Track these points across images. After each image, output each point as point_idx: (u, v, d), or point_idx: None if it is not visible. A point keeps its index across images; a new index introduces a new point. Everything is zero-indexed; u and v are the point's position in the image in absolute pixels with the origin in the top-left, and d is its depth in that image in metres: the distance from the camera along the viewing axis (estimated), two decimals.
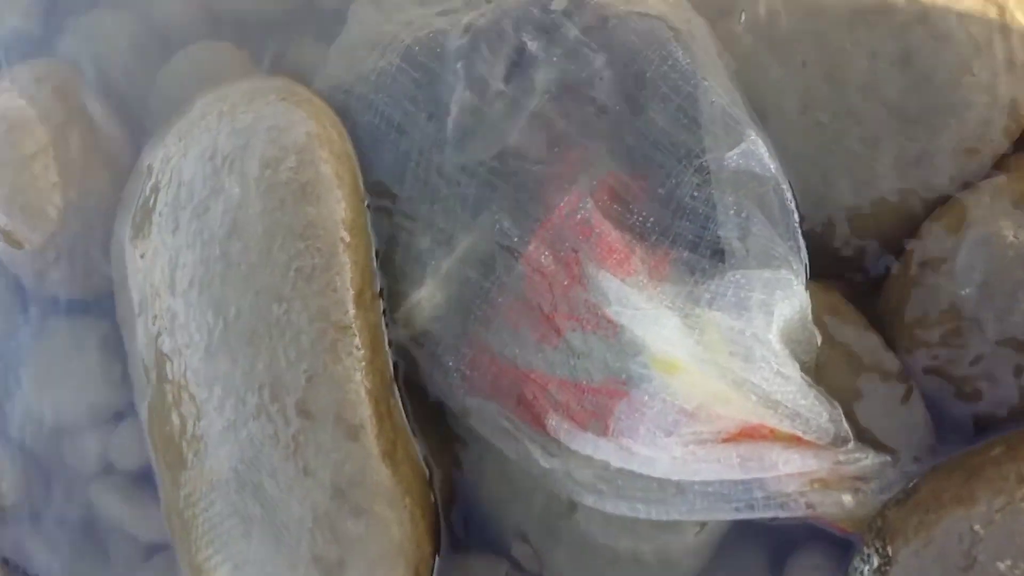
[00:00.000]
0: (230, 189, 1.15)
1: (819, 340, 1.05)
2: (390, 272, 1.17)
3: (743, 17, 1.16)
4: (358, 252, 1.14)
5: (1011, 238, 1.00)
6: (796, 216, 1.05)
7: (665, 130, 1.09)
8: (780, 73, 1.12)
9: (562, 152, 1.13)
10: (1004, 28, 1.08)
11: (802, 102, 1.11)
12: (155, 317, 1.15)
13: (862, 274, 1.12)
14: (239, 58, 1.35)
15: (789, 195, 1.05)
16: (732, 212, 1.05)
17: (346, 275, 1.12)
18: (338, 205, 1.14)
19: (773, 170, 1.05)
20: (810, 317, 1.04)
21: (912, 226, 1.09)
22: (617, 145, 1.12)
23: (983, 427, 1.04)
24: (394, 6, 1.23)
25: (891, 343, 1.07)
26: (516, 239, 1.11)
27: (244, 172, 1.16)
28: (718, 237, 1.06)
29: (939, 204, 1.08)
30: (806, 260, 1.05)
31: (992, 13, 1.08)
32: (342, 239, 1.13)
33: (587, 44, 1.15)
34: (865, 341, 1.07)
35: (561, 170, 1.13)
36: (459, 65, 1.15)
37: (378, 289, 1.16)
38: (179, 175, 1.19)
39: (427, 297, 1.15)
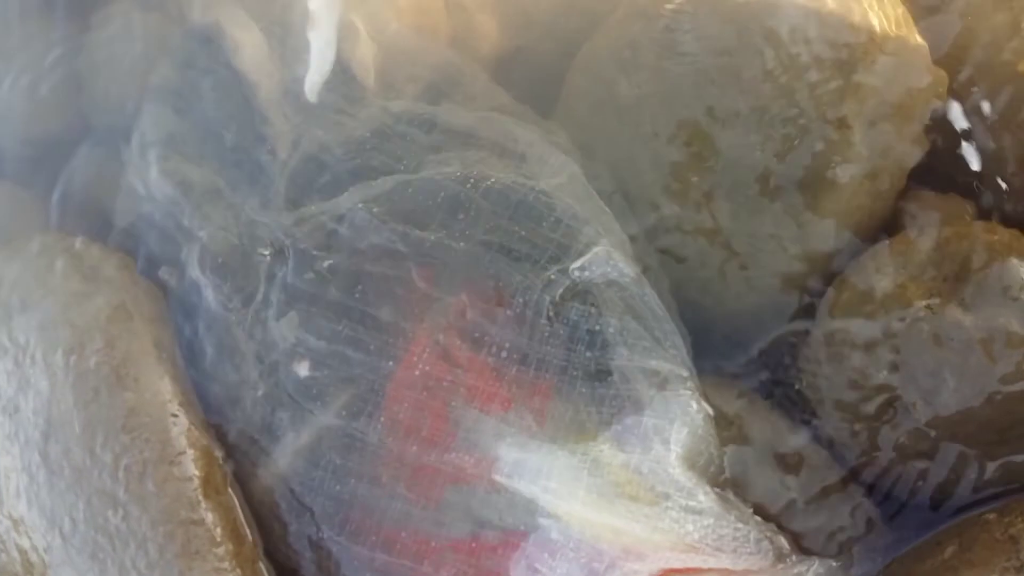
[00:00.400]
0: (37, 383, 1.00)
1: (726, 452, 0.91)
2: (242, 435, 1.00)
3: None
4: (195, 431, 0.98)
5: (923, 310, 0.85)
6: (669, 321, 0.90)
7: (511, 245, 0.94)
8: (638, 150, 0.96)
9: (410, 276, 0.97)
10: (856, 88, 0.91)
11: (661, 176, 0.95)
12: None
13: (767, 363, 0.97)
14: (25, 202, 1.16)
15: (655, 299, 0.90)
16: (599, 327, 0.89)
17: (186, 462, 0.97)
18: (161, 382, 0.99)
19: (632, 275, 0.90)
20: (712, 431, 0.89)
21: (811, 307, 0.95)
22: (466, 261, 0.95)
23: (936, 508, 0.92)
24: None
25: (817, 435, 0.93)
26: (375, 385, 0.96)
27: (48, 362, 1.00)
28: (592, 356, 0.90)
29: (833, 279, 0.93)
30: (691, 367, 0.89)
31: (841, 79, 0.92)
32: (173, 422, 0.97)
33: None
34: (785, 436, 0.93)
35: (411, 298, 0.97)
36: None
37: (229, 467, 1.00)
38: None
39: (287, 464, 1.00)
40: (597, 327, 0.92)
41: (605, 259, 0.92)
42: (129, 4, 1.24)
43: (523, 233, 0.94)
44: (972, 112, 0.96)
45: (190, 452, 0.99)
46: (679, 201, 0.97)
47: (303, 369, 0.98)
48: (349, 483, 0.96)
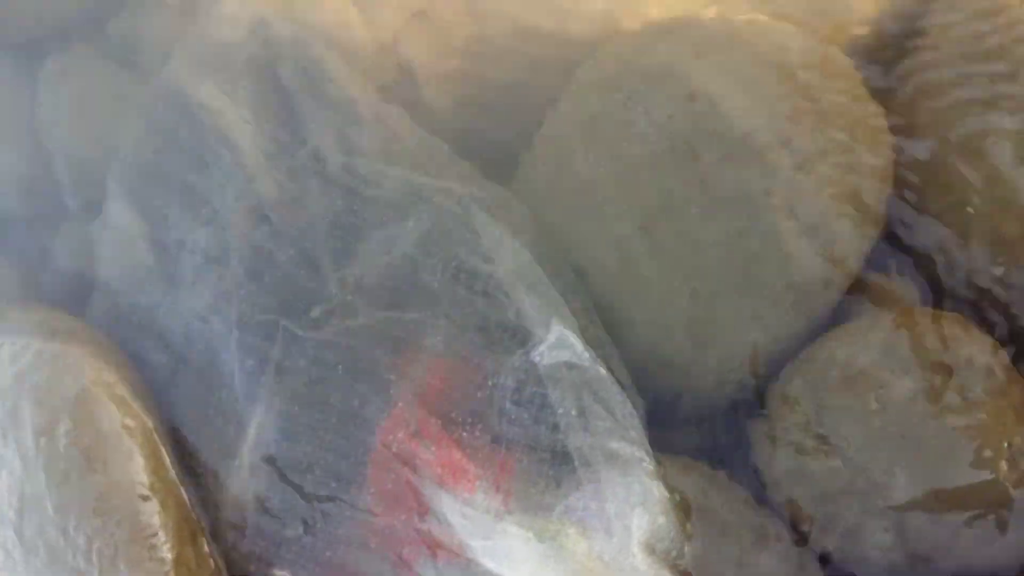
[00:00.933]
0: (11, 461, 1.02)
1: (686, 535, 0.92)
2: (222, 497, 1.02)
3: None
4: (169, 509, 1.00)
5: (874, 404, 0.85)
6: (627, 403, 0.90)
7: (478, 326, 0.95)
8: (593, 227, 0.95)
9: (380, 353, 0.98)
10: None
11: (621, 256, 0.95)
12: None
13: (723, 438, 0.99)
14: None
15: (612, 381, 0.90)
16: (560, 410, 0.91)
17: (158, 543, 0.98)
18: (130, 464, 1.00)
19: (589, 358, 0.90)
20: (672, 515, 0.91)
21: (764, 382, 0.95)
22: (429, 341, 0.96)
23: None
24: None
25: (778, 511, 0.94)
26: (334, 485, 0.99)
27: (20, 441, 1.01)
28: (555, 438, 0.91)
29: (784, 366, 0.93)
30: (649, 449, 0.91)
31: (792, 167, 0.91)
32: (143, 505, 0.98)
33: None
34: (745, 513, 0.94)
35: (386, 376, 0.98)
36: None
37: (205, 539, 1.02)
38: None
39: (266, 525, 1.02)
40: (560, 409, 0.92)
41: (563, 343, 0.92)
42: (85, 53, 1.22)
43: (488, 316, 0.94)
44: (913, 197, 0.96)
45: (161, 534, 1.00)
46: (634, 283, 0.97)
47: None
48: (331, 550, 0.97)
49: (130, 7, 1.20)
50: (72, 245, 1.17)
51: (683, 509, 0.95)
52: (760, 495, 0.96)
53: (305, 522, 0.96)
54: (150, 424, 1.04)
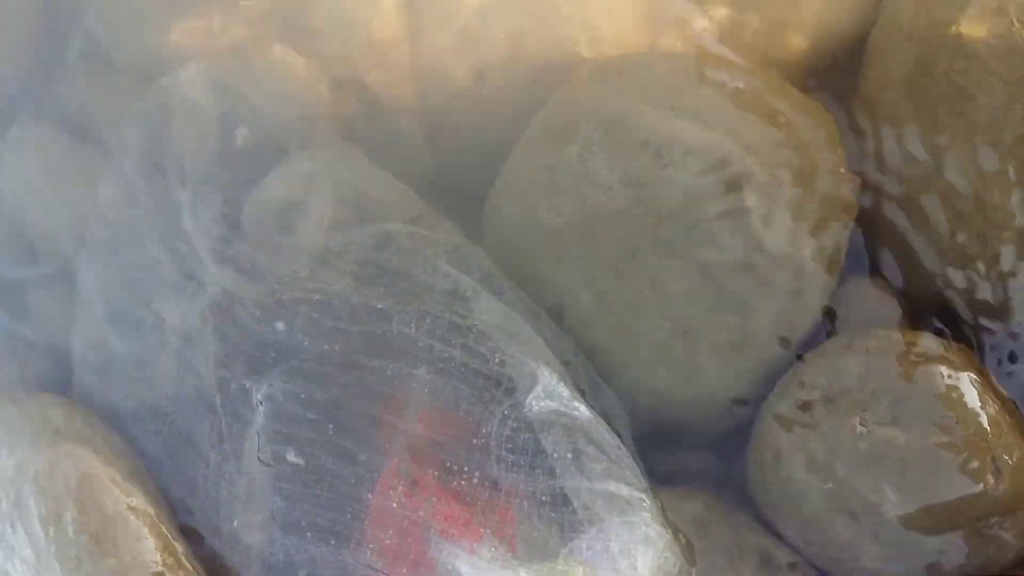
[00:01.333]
0: (23, 550, 1.03)
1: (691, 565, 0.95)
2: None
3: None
4: None
5: (858, 427, 0.87)
6: (620, 445, 0.92)
7: (452, 375, 0.95)
8: (564, 269, 0.96)
9: (376, 408, 0.99)
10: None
11: (596, 295, 0.96)
12: None
13: (721, 465, 1.01)
14: None
15: (603, 426, 0.92)
16: (556, 455, 0.93)
17: None
18: (141, 544, 1.02)
19: (577, 407, 0.92)
20: (674, 549, 0.93)
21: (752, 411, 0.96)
22: (417, 393, 0.97)
23: None
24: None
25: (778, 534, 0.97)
26: (333, 542, 0.99)
27: (28, 530, 1.02)
28: (552, 484, 0.93)
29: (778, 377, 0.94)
30: (646, 488, 0.93)
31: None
32: None
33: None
34: (748, 539, 0.96)
35: (378, 430, 0.99)
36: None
37: None
38: None
39: None
40: (555, 454, 0.94)
41: (550, 392, 0.94)
42: (44, 126, 1.21)
43: (470, 366, 0.95)
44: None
45: None
46: (612, 320, 0.98)
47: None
48: None
49: (78, 76, 1.18)
50: (47, 319, 1.16)
51: (685, 542, 0.97)
52: (761, 518, 0.98)
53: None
54: (153, 499, 1.05)
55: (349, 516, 0.98)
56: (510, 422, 0.93)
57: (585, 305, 0.98)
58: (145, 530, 1.03)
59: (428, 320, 0.96)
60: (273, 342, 1.02)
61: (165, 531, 1.04)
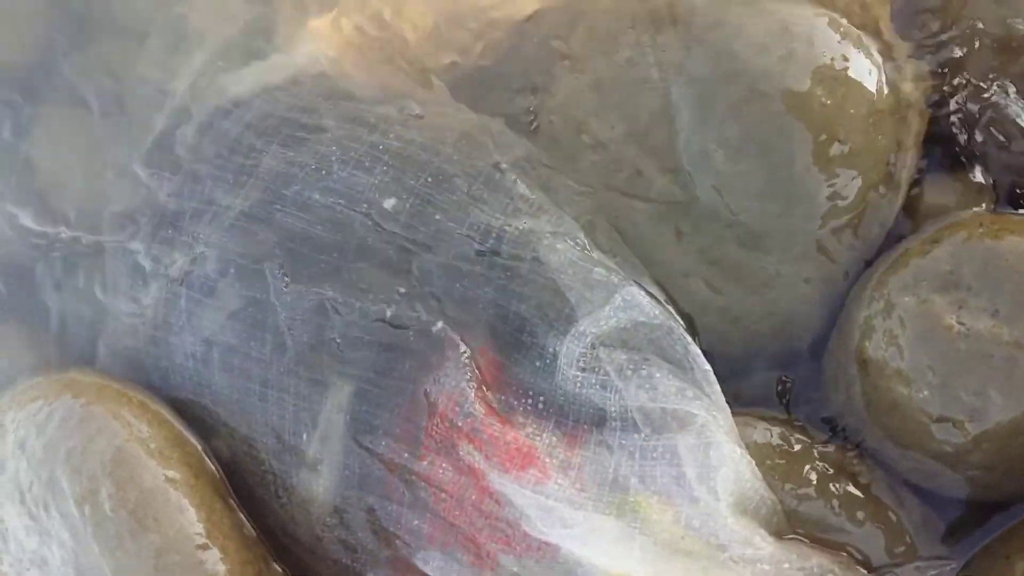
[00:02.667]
0: (59, 533, 0.97)
1: (776, 502, 0.87)
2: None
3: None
4: (231, 553, 0.96)
5: (956, 326, 0.79)
6: (702, 358, 0.84)
7: (526, 295, 0.89)
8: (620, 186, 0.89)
9: (423, 335, 0.92)
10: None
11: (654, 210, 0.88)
12: None
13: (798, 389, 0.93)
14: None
15: (687, 336, 0.85)
16: (630, 372, 0.85)
17: None
18: (183, 516, 0.96)
19: (659, 315, 0.84)
20: (757, 473, 0.86)
21: (827, 323, 0.89)
22: (479, 315, 0.90)
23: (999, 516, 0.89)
24: None
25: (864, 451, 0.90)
26: (407, 455, 0.92)
27: (63, 512, 0.97)
28: (624, 405, 0.85)
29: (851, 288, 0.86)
30: (726, 408, 0.85)
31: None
32: (204, 554, 0.94)
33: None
34: (832, 458, 0.89)
35: (429, 357, 0.92)
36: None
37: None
38: (1, 525, 1.00)
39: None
40: (629, 373, 0.86)
41: (631, 303, 0.87)
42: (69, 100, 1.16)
43: (543, 282, 0.88)
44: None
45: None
46: (673, 236, 0.91)
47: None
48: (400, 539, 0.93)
49: (101, 47, 1.13)
50: (81, 293, 1.11)
51: (766, 463, 0.89)
52: (844, 437, 0.91)
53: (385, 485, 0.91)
54: (196, 467, 0.99)
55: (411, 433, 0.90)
56: (585, 338, 0.85)
57: (641, 223, 0.90)
58: (186, 502, 0.97)
59: (493, 235, 0.89)
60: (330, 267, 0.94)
61: (209, 500, 0.98)
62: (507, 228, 0.90)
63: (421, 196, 0.93)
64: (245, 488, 1.01)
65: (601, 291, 0.87)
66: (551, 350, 0.89)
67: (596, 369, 0.87)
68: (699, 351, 0.87)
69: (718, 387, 0.88)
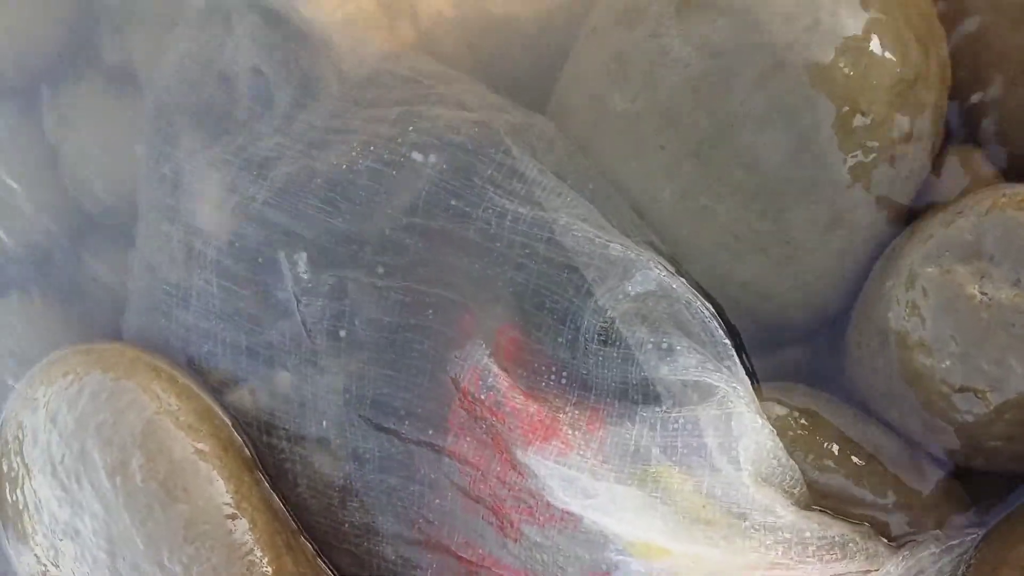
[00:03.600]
0: (91, 504, 0.99)
1: (797, 470, 0.88)
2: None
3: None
4: (259, 523, 0.98)
5: (978, 296, 0.80)
6: (721, 332, 0.85)
7: (544, 273, 0.90)
8: (641, 161, 0.89)
9: (443, 315, 0.94)
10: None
11: (677, 186, 0.88)
12: None
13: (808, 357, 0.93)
14: (36, 312, 1.12)
15: (705, 308, 0.85)
16: (650, 346, 0.86)
17: (256, 559, 0.96)
18: (212, 487, 0.98)
19: (677, 287, 0.85)
20: (778, 442, 0.86)
21: (851, 295, 0.88)
22: (499, 294, 0.91)
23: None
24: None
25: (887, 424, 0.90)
26: (431, 432, 0.94)
27: (95, 483, 0.98)
28: (644, 378, 0.86)
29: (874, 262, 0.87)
30: (745, 379, 0.86)
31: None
32: (233, 524, 0.96)
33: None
34: (853, 429, 0.89)
35: (449, 336, 0.94)
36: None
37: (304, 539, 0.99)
38: (33, 496, 1.02)
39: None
40: (649, 345, 0.87)
41: (647, 277, 0.88)
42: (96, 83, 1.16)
43: (561, 260, 0.89)
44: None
45: (257, 550, 0.98)
46: (696, 211, 0.91)
47: None
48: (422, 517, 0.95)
49: (116, 30, 1.13)
50: (107, 271, 1.13)
51: (787, 432, 0.90)
52: (867, 408, 0.91)
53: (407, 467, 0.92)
54: (225, 440, 1.00)
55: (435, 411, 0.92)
56: (604, 312, 0.86)
57: (664, 199, 0.90)
58: (215, 473, 0.98)
59: (509, 216, 0.90)
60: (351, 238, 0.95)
61: (238, 471, 0.99)
62: (521, 210, 0.91)
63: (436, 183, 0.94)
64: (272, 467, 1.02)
65: (619, 267, 0.87)
66: (572, 326, 0.89)
67: (617, 343, 0.87)
68: (718, 324, 0.87)
69: (737, 359, 0.88)
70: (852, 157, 0.85)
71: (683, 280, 0.88)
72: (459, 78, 1.02)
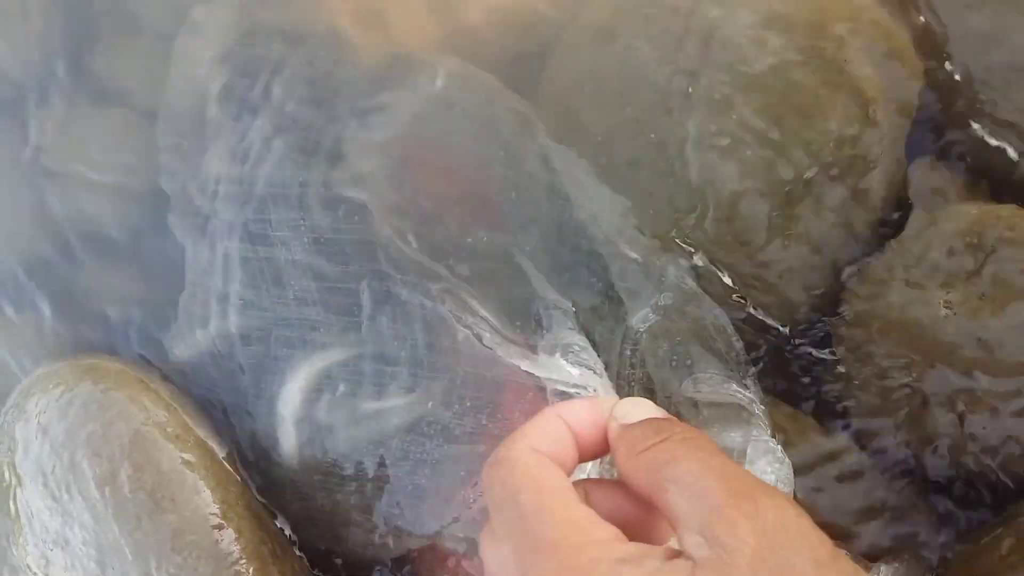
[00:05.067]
0: (81, 514, 1.01)
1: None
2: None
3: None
4: (246, 533, 1.00)
5: (942, 309, 0.82)
6: (743, 352, 0.87)
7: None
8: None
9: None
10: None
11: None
12: None
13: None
14: (22, 326, 1.15)
15: (728, 329, 0.87)
16: (673, 364, 0.87)
17: (243, 569, 0.98)
18: (198, 497, 0.99)
19: (702, 306, 0.89)
20: (785, 465, 0.88)
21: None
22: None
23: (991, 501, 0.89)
24: None
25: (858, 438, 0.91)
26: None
27: (84, 494, 1.00)
28: (666, 397, 0.89)
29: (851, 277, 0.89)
30: (760, 395, 0.88)
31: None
32: (220, 535, 0.98)
33: None
34: (828, 446, 0.91)
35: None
36: None
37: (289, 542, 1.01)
38: (26, 507, 1.04)
39: None
40: (672, 364, 0.89)
41: (677, 283, 0.89)
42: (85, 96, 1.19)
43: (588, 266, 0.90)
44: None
45: (244, 560, 0.99)
46: (688, 222, 0.93)
47: None
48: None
49: (107, 42, 1.15)
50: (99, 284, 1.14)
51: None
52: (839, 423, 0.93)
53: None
54: (211, 451, 1.02)
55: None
56: (633, 328, 0.88)
57: (656, 213, 0.92)
58: (202, 483, 1.00)
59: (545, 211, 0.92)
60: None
61: (226, 481, 1.01)
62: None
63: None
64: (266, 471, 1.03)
65: (643, 283, 0.88)
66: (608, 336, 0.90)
67: (641, 363, 0.88)
68: (740, 344, 0.89)
69: (753, 383, 0.89)
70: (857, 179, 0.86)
71: (705, 295, 0.89)
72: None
